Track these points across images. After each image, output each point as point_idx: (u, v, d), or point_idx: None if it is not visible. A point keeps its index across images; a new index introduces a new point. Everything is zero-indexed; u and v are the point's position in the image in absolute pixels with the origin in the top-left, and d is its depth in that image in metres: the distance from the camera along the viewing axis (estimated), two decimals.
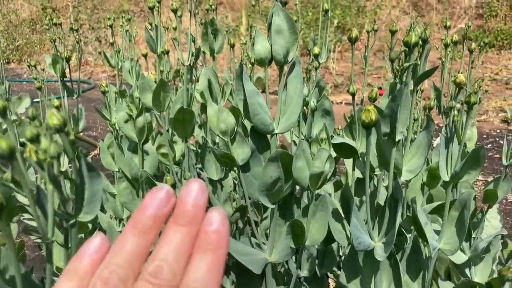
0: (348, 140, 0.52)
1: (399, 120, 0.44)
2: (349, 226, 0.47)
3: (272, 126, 0.51)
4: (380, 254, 0.47)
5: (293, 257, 0.89)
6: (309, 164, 0.48)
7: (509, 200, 1.91)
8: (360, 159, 0.61)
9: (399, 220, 0.47)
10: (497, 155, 2.36)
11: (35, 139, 0.31)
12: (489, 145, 2.50)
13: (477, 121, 2.86)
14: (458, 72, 0.65)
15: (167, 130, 1.00)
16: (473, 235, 1.00)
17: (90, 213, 0.35)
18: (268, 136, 0.53)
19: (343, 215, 0.62)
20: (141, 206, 0.24)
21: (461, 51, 0.86)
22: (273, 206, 0.53)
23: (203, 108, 0.91)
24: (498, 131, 2.72)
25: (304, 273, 0.80)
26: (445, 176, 0.53)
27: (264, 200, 0.52)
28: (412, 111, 0.48)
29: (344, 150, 0.54)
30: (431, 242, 0.54)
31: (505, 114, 2.95)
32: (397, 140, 0.45)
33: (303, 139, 0.53)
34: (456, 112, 0.54)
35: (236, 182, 1.04)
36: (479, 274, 0.89)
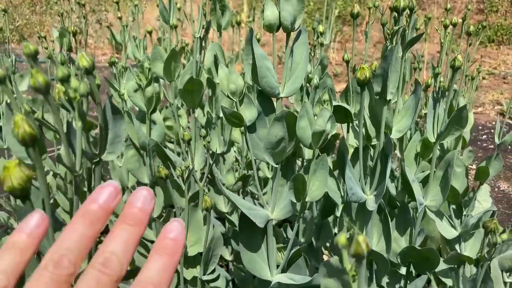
0: (342, 103, 0.56)
1: (389, 80, 0.48)
2: (344, 180, 0.52)
3: (278, 90, 0.55)
4: (371, 205, 0.51)
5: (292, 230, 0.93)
6: (311, 124, 0.52)
7: (501, 189, 1.96)
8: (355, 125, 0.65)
9: (388, 173, 0.51)
10: (492, 146, 2.41)
11: (66, 79, 0.35)
12: (484, 136, 2.55)
13: (474, 113, 2.91)
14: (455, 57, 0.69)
15: (173, 104, 1.03)
16: (464, 213, 1.05)
17: (113, 153, 0.39)
18: (274, 101, 0.57)
19: (335, 180, 0.67)
20: (91, 197, 0.26)
21: (460, 45, 0.90)
22: (277, 166, 0.57)
23: (209, 83, 0.95)
24: (494, 123, 2.77)
25: (301, 241, 0.85)
26: (432, 137, 0.57)
27: (269, 159, 0.56)
28: (401, 74, 0.52)
29: (339, 114, 0.58)
30: (418, 198, 0.59)
31: (501, 107, 3.00)
32: (388, 99, 0.49)
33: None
34: (442, 79, 0.58)
35: (237, 157, 1.08)
36: (469, 249, 0.94)
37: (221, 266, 1.22)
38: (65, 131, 0.36)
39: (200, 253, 0.56)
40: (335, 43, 4.67)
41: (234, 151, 1.10)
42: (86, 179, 0.38)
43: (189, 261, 0.56)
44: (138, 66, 0.73)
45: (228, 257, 1.09)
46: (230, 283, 1.10)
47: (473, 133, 2.56)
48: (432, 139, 0.57)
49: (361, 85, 0.47)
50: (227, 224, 1.07)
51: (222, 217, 1.09)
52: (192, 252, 0.55)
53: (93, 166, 0.37)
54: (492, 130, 2.63)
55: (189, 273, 0.55)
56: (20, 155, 0.39)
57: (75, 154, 0.34)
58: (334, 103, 0.58)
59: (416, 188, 0.58)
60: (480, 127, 2.68)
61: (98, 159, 0.38)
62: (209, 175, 1.05)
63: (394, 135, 0.55)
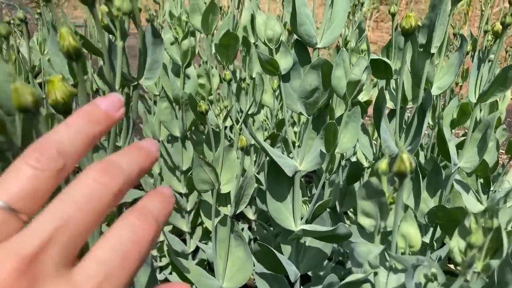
0: (383, 58, 0.56)
1: (435, 32, 0.47)
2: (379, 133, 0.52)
3: (315, 39, 0.54)
4: None
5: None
6: (347, 74, 0.52)
7: None
8: (393, 86, 0.64)
9: (424, 128, 0.51)
10: None
11: None
12: None
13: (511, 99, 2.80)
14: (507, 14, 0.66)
15: (206, 62, 1.04)
16: (492, 188, 1.03)
17: (151, 79, 0.40)
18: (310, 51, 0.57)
19: (368, 138, 0.67)
20: (91, 102, 0.23)
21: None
22: (309, 117, 0.58)
23: (245, 41, 0.95)
24: None
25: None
26: (473, 98, 0.56)
27: (301, 109, 0.57)
28: (447, 30, 0.51)
29: (378, 69, 0.57)
30: (453, 157, 0.58)
31: None
32: (432, 52, 0.48)
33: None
34: (490, 38, 0.56)
35: (266, 119, 1.09)
36: None
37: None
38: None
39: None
40: (370, 21, 4.56)
41: (265, 115, 1.12)
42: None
43: (220, 199, 0.58)
44: (178, 16, 0.73)
45: (252, 216, 1.11)
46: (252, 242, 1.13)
47: (508, 118, 2.48)
48: (473, 100, 0.56)
49: (405, 34, 0.47)
50: None
51: None
52: (224, 189, 0.56)
53: (131, 90, 0.39)
54: None
55: (219, 211, 0.58)
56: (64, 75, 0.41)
57: (115, 73, 0.36)
58: (374, 56, 0.57)
59: (452, 147, 0.58)
60: None
61: (136, 82, 0.39)
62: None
63: (434, 92, 0.54)
